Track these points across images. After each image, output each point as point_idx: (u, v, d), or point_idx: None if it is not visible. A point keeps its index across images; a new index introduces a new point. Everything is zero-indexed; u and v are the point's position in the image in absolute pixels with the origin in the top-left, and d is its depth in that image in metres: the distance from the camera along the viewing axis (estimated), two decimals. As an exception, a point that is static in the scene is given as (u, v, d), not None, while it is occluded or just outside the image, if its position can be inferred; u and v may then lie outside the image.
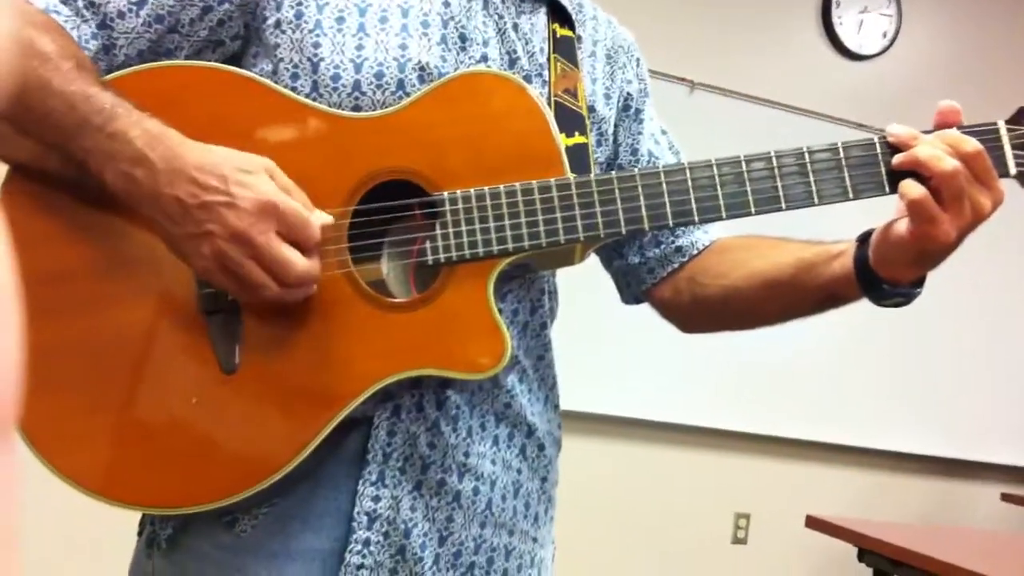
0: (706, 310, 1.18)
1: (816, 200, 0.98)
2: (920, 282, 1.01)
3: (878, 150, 0.97)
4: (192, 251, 0.87)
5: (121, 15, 0.97)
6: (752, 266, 1.12)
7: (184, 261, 0.90)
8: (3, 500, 0.30)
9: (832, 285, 1.04)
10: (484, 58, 1.03)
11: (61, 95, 0.86)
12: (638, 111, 1.20)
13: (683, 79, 3.73)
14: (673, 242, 1.18)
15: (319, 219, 0.90)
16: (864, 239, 1.02)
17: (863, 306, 1.05)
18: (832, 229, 1.11)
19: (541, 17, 1.10)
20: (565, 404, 1.15)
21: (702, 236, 1.19)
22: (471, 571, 1.02)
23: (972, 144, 0.93)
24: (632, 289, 1.22)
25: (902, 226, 0.95)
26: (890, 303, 1.02)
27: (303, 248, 0.89)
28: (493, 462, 1.04)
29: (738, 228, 1.11)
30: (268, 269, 0.87)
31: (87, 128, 0.86)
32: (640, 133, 1.20)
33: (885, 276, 0.99)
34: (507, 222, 0.96)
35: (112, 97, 0.88)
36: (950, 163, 0.92)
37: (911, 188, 0.93)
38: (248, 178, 0.86)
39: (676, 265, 1.18)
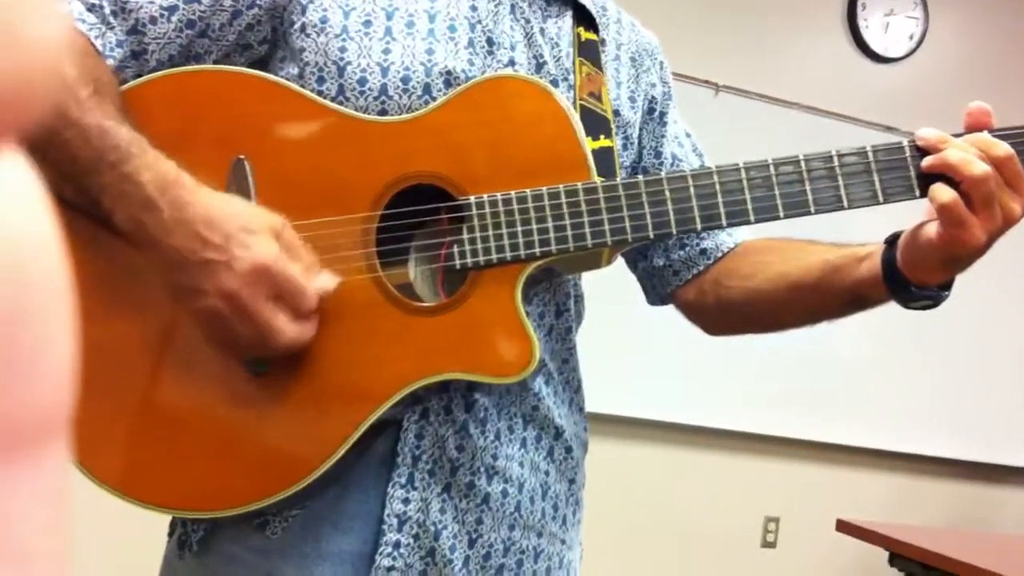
0: (731, 312, 1.17)
1: (845, 204, 0.97)
2: (948, 285, 1.00)
3: (907, 153, 0.97)
4: (187, 303, 0.88)
5: (153, 20, 0.97)
6: (778, 268, 1.11)
7: (180, 307, 0.90)
8: (59, 504, 0.30)
9: (859, 287, 1.03)
10: (511, 62, 1.04)
11: (77, 126, 0.85)
12: (662, 114, 1.20)
13: (708, 82, 3.72)
14: (698, 244, 1.18)
15: (321, 284, 0.90)
16: (892, 241, 1.01)
17: (892, 309, 1.05)
18: (858, 232, 1.10)
19: (567, 21, 1.10)
20: (594, 407, 1.15)
21: (727, 239, 1.19)
22: (500, 573, 1.02)
23: (1003, 148, 0.93)
24: (658, 291, 1.23)
25: (931, 229, 0.95)
26: (917, 306, 1.01)
27: (296, 313, 0.88)
28: (521, 464, 1.04)
29: (764, 231, 1.11)
30: (256, 331, 0.87)
31: (101, 165, 0.85)
32: (664, 136, 1.20)
33: (913, 278, 0.98)
34: (534, 226, 0.96)
35: (128, 132, 0.87)
36: (980, 167, 0.91)
37: (941, 192, 0.92)
38: (250, 239, 0.86)
39: (701, 267, 1.18)
